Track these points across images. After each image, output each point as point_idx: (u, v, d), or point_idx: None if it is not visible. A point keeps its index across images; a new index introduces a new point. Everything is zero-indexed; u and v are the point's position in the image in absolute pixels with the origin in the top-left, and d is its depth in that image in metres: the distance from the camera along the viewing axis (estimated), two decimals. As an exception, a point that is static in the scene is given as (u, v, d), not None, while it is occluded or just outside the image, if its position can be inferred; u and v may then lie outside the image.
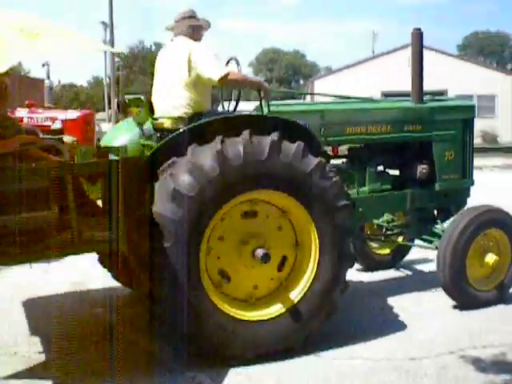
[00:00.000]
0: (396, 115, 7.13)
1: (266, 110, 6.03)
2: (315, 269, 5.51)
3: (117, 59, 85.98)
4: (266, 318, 5.44)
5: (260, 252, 5.31)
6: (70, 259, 5.14)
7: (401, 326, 6.20)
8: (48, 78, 23.34)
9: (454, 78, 37.27)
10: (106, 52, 29.61)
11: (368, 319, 6.49)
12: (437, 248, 6.81)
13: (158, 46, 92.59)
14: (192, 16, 5.94)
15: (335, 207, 5.46)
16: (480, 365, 5.32)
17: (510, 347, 5.68)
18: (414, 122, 7.12)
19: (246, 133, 5.14)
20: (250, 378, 5.12)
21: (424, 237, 7.49)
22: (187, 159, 5.02)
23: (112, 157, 5.69)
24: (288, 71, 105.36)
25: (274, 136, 5.20)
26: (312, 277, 5.52)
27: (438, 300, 6.93)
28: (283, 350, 5.42)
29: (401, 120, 7.07)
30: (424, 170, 7.12)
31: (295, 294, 5.54)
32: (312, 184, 5.35)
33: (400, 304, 6.93)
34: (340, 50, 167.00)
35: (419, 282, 7.79)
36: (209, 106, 5.90)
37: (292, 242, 5.65)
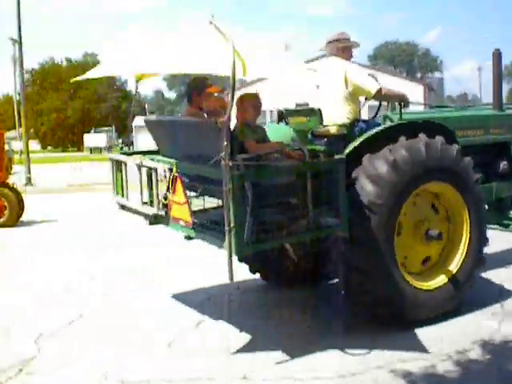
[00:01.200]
0: (486, 121, 8.34)
1: (396, 118, 6.93)
2: (468, 235, 6.82)
3: (26, 75, 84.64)
4: (434, 286, 6.67)
5: (434, 232, 6.54)
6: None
7: (329, 340, 6.11)
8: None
9: (366, 87, 37.76)
10: (14, 68, 28.55)
11: (297, 333, 6.37)
12: None
13: (69, 61, 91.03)
14: (342, 38, 7.07)
15: (473, 180, 6.83)
16: (411, 378, 5.26)
17: (440, 358, 5.64)
18: (497, 126, 8.37)
19: (402, 139, 6.28)
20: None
21: (503, 222, 8.81)
22: (368, 171, 6.13)
23: None
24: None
25: (424, 137, 6.38)
26: (467, 242, 6.82)
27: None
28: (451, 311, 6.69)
29: (488, 125, 8.27)
30: (505, 166, 8.35)
31: (456, 259, 6.83)
32: (457, 166, 6.63)
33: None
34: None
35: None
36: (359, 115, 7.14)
37: (445, 218, 6.89)
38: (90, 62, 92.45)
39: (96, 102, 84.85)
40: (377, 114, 7.41)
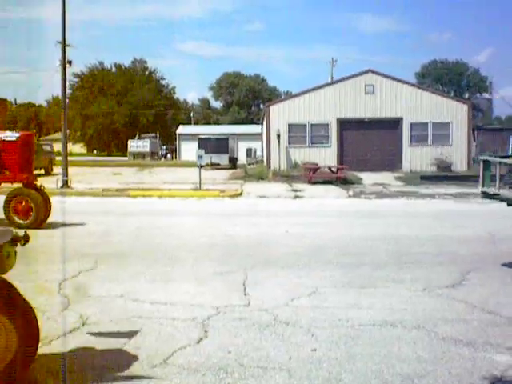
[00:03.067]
0: None
1: None
2: None
3: (76, 79, 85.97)
4: None
5: None
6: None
7: (330, 366, 5.80)
8: (-5, 97, 22.73)
9: (410, 106, 37.40)
10: (61, 71, 28.80)
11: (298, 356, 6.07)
12: None
13: (118, 66, 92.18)
14: None
15: None
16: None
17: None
18: None
19: None
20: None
21: None
22: None
23: None
24: (248, 95, 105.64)
25: None
26: None
27: (371, 339, 6.58)
28: None
29: None
30: None
31: None
32: None
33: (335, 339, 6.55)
34: (301, 75, 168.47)
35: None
36: None
37: None
38: (138, 68, 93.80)
39: (142, 109, 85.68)
40: None
